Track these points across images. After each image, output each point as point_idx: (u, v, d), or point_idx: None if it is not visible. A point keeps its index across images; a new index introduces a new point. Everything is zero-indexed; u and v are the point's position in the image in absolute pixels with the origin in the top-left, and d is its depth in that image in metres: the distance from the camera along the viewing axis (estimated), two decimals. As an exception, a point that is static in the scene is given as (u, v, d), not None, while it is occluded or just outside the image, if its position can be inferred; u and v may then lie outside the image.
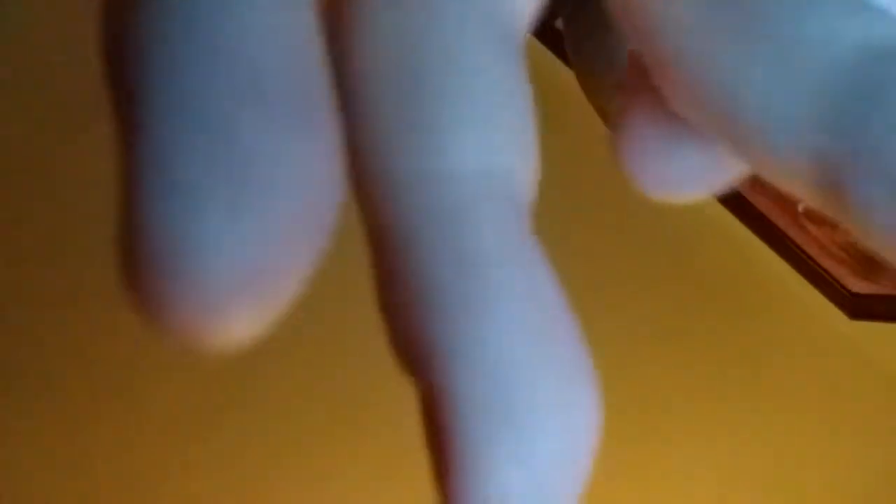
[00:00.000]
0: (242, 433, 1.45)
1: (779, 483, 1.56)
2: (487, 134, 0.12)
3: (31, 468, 1.41)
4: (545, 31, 1.30)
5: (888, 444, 1.55)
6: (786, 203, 1.34)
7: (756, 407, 1.54)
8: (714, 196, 1.35)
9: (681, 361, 1.52)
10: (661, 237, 1.52)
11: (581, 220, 1.48)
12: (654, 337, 1.52)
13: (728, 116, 0.12)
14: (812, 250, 1.38)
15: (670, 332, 1.52)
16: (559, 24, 1.26)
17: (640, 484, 1.54)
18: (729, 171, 0.15)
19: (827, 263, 1.38)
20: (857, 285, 1.38)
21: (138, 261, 0.10)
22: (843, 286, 1.39)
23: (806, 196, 0.12)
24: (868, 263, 1.30)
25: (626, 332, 1.51)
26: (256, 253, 0.10)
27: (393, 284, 0.12)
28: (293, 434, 1.46)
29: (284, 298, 0.11)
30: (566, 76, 1.34)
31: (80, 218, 1.37)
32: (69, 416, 1.41)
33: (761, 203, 1.35)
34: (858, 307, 1.38)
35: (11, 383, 1.39)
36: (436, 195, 0.11)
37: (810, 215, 1.32)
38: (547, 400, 0.13)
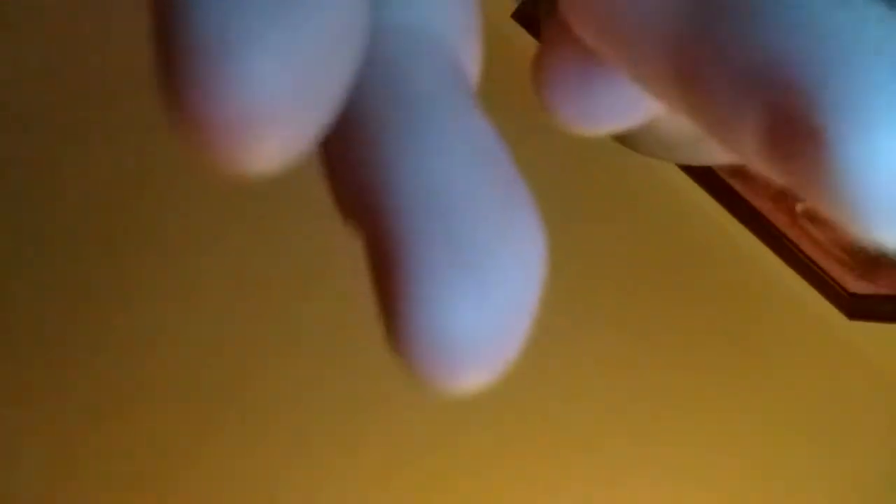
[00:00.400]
0: (242, 434, 1.45)
1: (778, 481, 1.57)
2: (420, 4, 0.13)
3: (30, 468, 1.41)
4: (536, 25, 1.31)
5: (887, 441, 1.55)
6: (785, 204, 1.34)
7: (756, 405, 1.55)
8: (714, 197, 1.35)
9: (681, 362, 1.53)
10: (662, 240, 1.52)
11: (583, 223, 1.48)
12: (655, 338, 1.52)
13: (611, 30, 0.13)
14: (811, 251, 1.38)
15: (670, 333, 1.53)
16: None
17: (642, 483, 1.55)
18: (638, 108, 0.15)
19: (825, 264, 1.38)
20: (856, 286, 1.39)
21: (177, 62, 0.10)
22: (841, 287, 1.39)
23: (673, 105, 0.13)
24: (867, 264, 1.30)
25: (626, 334, 1.51)
26: (300, 61, 0.10)
27: (332, 134, 0.12)
28: (293, 434, 1.46)
29: (315, 127, 0.11)
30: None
31: (81, 217, 1.37)
32: (69, 415, 1.41)
33: (761, 204, 1.35)
34: (857, 307, 1.38)
35: (11, 383, 1.39)
36: (373, 46, 0.12)
37: (809, 216, 1.32)
38: (492, 228, 0.12)
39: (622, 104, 0.16)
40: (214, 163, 0.11)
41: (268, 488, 1.46)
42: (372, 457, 1.48)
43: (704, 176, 1.35)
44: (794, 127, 0.11)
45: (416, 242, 0.12)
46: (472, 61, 0.14)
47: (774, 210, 1.34)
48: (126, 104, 1.35)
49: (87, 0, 1.33)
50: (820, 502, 1.56)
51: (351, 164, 0.13)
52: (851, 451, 1.55)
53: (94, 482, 1.41)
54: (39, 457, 1.40)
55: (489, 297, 0.12)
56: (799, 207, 1.30)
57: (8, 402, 1.39)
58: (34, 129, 1.35)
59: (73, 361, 1.39)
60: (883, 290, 1.35)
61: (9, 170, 1.35)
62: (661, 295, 1.49)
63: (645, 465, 1.53)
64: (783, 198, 1.30)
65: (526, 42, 1.29)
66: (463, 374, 0.12)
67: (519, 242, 0.13)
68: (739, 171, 1.31)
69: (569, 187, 1.44)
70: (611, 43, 0.13)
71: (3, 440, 1.39)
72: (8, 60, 1.33)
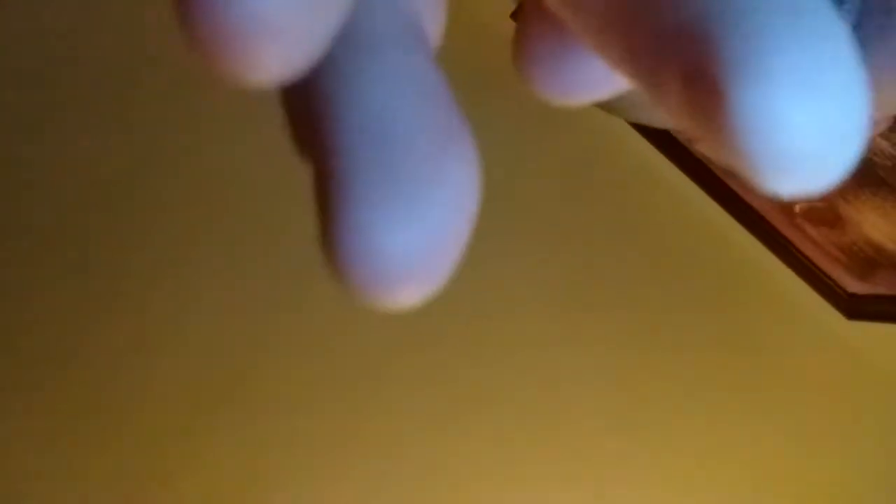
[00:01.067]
0: (241, 434, 1.45)
1: (777, 480, 1.57)
2: None
3: (30, 469, 1.41)
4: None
5: (885, 441, 1.55)
6: (783, 205, 1.34)
7: (754, 406, 1.55)
8: (713, 198, 1.35)
9: (680, 362, 1.53)
10: (660, 241, 1.52)
11: (582, 224, 1.48)
12: (654, 339, 1.52)
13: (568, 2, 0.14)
14: (810, 252, 1.38)
15: (669, 334, 1.53)
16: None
17: (642, 483, 1.55)
18: (608, 81, 0.16)
19: (824, 264, 1.38)
20: (854, 286, 1.39)
21: None
22: (840, 287, 1.40)
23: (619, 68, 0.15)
24: (865, 264, 1.30)
25: (625, 335, 1.52)
26: None
27: (293, 82, 0.13)
28: (293, 434, 1.46)
29: (315, 43, 0.12)
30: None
31: (81, 217, 1.37)
32: (69, 415, 1.41)
33: (759, 205, 1.35)
34: (855, 308, 1.38)
35: (11, 384, 1.39)
36: None
37: (808, 216, 1.32)
38: (427, 158, 0.13)
39: (594, 77, 0.17)
40: (223, 73, 0.12)
41: (267, 488, 1.46)
42: (372, 457, 1.48)
43: (703, 177, 1.35)
44: (703, 80, 0.11)
45: (353, 168, 0.13)
46: (432, 20, 0.15)
47: (773, 211, 1.34)
48: (127, 104, 1.35)
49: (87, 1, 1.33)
50: (819, 501, 1.57)
51: (301, 96, 0.14)
52: (851, 451, 1.55)
53: (94, 482, 1.41)
54: (39, 457, 1.40)
55: (418, 220, 0.13)
56: (798, 208, 1.30)
57: (8, 402, 1.39)
58: (34, 129, 1.35)
59: (73, 362, 1.39)
60: (881, 291, 1.35)
61: (8, 169, 1.35)
62: (660, 296, 1.49)
63: (645, 465, 1.53)
64: (782, 199, 1.30)
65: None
66: (391, 291, 0.13)
67: (452, 174, 0.13)
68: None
69: (568, 189, 1.44)
70: (568, 12, 0.14)
71: (3, 440, 1.39)
72: (6, 61, 1.33)
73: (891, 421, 1.54)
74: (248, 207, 1.40)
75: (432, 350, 1.45)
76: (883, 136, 1.08)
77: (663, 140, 1.33)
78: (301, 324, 1.42)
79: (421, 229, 0.13)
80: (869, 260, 1.29)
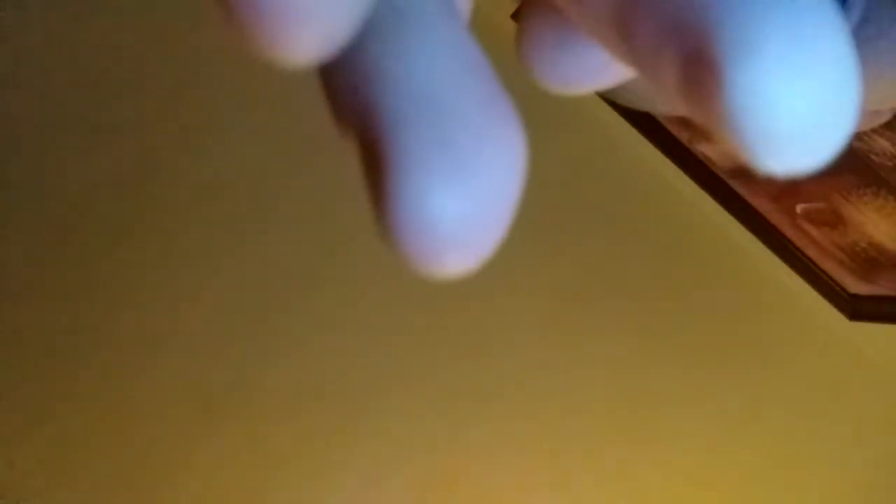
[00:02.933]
0: (241, 434, 1.45)
1: (779, 480, 1.57)
2: None
3: (30, 468, 1.41)
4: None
5: (887, 442, 1.55)
6: (785, 205, 1.34)
7: (756, 406, 1.55)
8: (715, 199, 1.35)
9: (681, 362, 1.53)
10: (663, 242, 1.52)
11: (584, 227, 1.48)
12: (656, 339, 1.52)
13: None
14: (811, 252, 1.38)
15: (671, 333, 1.53)
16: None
17: (642, 483, 1.55)
18: (608, 71, 0.17)
19: (826, 265, 1.38)
20: (856, 286, 1.39)
21: None
22: (842, 288, 1.40)
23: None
24: (867, 265, 1.30)
25: (627, 335, 1.52)
26: None
27: (335, 61, 0.14)
28: (292, 434, 1.46)
29: (350, 22, 0.12)
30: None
31: (81, 217, 1.37)
32: (69, 415, 1.41)
33: (761, 206, 1.35)
34: (857, 308, 1.38)
35: (12, 384, 1.39)
36: None
37: (809, 217, 1.32)
38: (475, 127, 0.13)
39: (594, 66, 0.17)
40: (261, 53, 0.12)
41: (267, 488, 1.46)
42: (372, 457, 1.48)
43: (705, 178, 1.35)
44: (701, 63, 0.12)
45: (404, 136, 0.13)
46: None
47: (775, 211, 1.34)
48: (127, 105, 1.35)
49: (87, 2, 1.33)
50: (820, 502, 1.57)
51: (344, 71, 0.14)
52: (852, 451, 1.55)
53: (95, 482, 1.41)
54: (40, 457, 1.40)
55: (471, 188, 0.13)
56: (799, 209, 1.30)
57: (8, 402, 1.39)
58: (34, 129, 1.35)
59: (73, 361, 1.39)
60: (884, 291, 1.35)
61: (9, 169, 1.35)
62: (663, 296, 1.49)
63: (645, 466, 1.53)
64: (784, 199, 1.30)
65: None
66: (444, 257, 0.13)
67: (500, 142, 0.14)
68: (740, 173, 1.31)
69: (571, 189, 1.44)
70: (570, 1, 0.15)
71: (4, 440, 1.39)
72: (5, 63, 1.33)
73: (892, 420, 1.54)
74: (248, 208, 1.40)
75: (432, 350, 1.45)
76: (884, 136, 1.08)
77: (665, 141, 1.33)
78: (301, 324, 1.42)
79: (474, 196, 0.13)
80: (870, 260, 1.29)
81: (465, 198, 0.13)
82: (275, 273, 1.41)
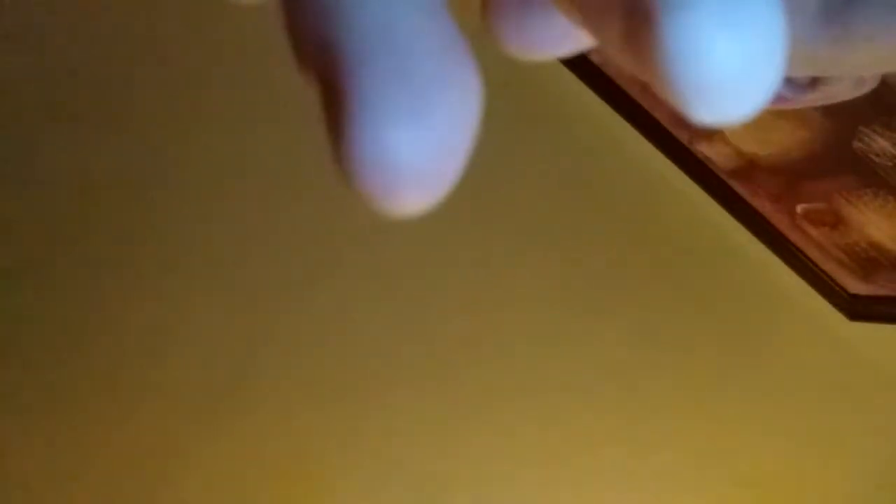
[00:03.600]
0: (241, 434, 1.45)
1: (779, 480, 1.57)
2: None
3: (30, 468, 1.41)
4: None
5: (887, 442, 1.55)
6: (785, 206, 1.35)
7: (756, 405, 1.55)
8: (715, 199, 1.35)
9: (681, 362, 1.53)
10: (663, 242, 1.52)
11: (583, 227, 1.48)
12: (655, 339, 1.52)
13: None
14: (811, 253, 1.38)
15: (671, 334, 1.53)
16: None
17: (642, 483, 1.55)
18: (570, 38, 0.17)
19: (826, 265, 1.38)
20: (856, 287, 1.39)
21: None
22: (842, 288, 1.40)
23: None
24: (867, 265, 1.31)
25: (626, 336, 1.52)
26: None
27: (297, 8, 0.14)
28: (292, 434, 1.46)
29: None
30: (573, 85, 1.34)
31: (81, 217, 1.37)
32: (69, 415, 1.41)
33: (761, 206, 1.35)
34: (857, 308, 1.38)
35: (12, 384, 1.39)
36: None
37: (809, 217, 1.32)
38: (434, 67, 0.14)
39: (557, 33, 0.18)
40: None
41: (267, 488, 1.46)
42: (371, 457, 1.48)
43: (705, 178, 1.35)
44: (639, 15, 0.12)
45: (363, 73, 0.13)
46: None
47: (775, 212, 1.34)
48: (130, 102, 1.35)
49: (88, 2, 1.33)
50: (820, 501, 1.57)
51: (305, 10, 0.14)
52: (852, 451, 1.55)
53: (94, 482, 1.42)
54: (40, 456, 1.40)
55: (428, 124, 0.13)
56: (799, 209, 1.30)
57: (8, 403, 1.39)
58: (34, 130, 1.35)
59: (73, 361, 1.39)
60: (884, 292, 1.35)
61: (9, 169, 1.35)
62: (662, 296, 1.49)
63: (645, 466, 1.53)
64: (784, 199, 1.30)
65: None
66: (399, 192, 0.13)
67: (458, 83, 0.14)
68: (741, 173, 1.31)
69: (571, 189, 1.44)
70: None
71: (4, 440, 1.39)
72: (4, 64, 1.33)
73: (892, 421, 1.54)
74: (249, 207, 1.40)
75: (432, 351, 1.45)
76: (884, 136, 1.08)
77: (665, 141, 1.33)
78: (302, 324, 1.42)
79: (430, 131, 0.13)
80: (871, 260, 1.29)
81: (423, 133, 0.13)
82: (275, 273, 1.41)
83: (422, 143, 0.13)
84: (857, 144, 1.12)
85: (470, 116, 0.14)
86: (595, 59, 1.28)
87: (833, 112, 1.11)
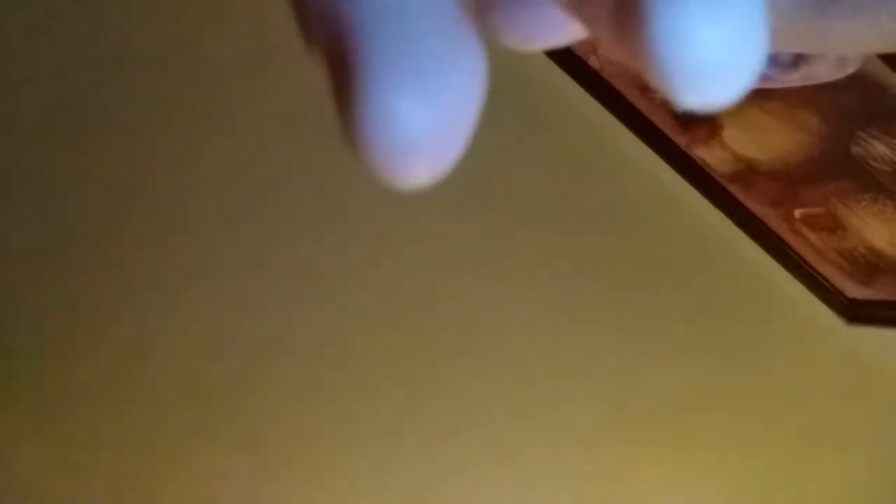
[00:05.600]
0: (241, 434, 1.45)
1: (778, 483, 1.57)
2: None
3: (30, 468, 1.41)
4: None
5: (886, 445, 1.55)
6: (784, 210, 1.35)
7: (756, 410, 1.55)
8: (714, 204, 1.35)
9: (681, 366, 1.53)
10: (663, 246, 1.52)
11: (584, 229, 1.48)
12: (656, 342, 1.52)
13: None
14: (810, 257, 1.38)
15: (671, 337, 1.53)
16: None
17: (641, 483, 1.55)
18: (563, 30, 0.18)
19: (825, 270, 1.39)
20: (855, 291, 1.39)
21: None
22: (840, 292, 1.40)
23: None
24: (865, 269, 1.31)
25: (627, 339, 1.52)
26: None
27: None
28: (292, 436, 1.47)
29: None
30: (572, 88, 1.34)
31: (81, 218, 1.38)
32: (69, 415, 1.41)
33: (760, 210, 1.35)
34: (856, 312, 1.38)
35: (12, 384, 1.39)
36: None
37: (808, 222, 1.33)
38: (440, 42, 0.14)
39: (549, 24, 0.18)
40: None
41: (266, 488, 1.46)
42: (371, 457, 1.48)
43: (705, 183, 1.35)
44: (629, 5, 0.13)
45: (373, 45, 0.14)
46: None
47: (774, 216, 1.34)
48: (130, 104, 1.35)
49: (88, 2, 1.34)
50: (820, 502, 1.57)
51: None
52: (851, 454, 1.55)
53: (94, 482, 1.42)
54: (40, 456, 1.41)
55: (437, 96, 0.14)
56: (798, 214, 1.30)
57: (9, 402, 1.39)
58: (35, 131, 1.35)
59: (73, 361, 1.39)
60: (882, 296, 1.35)
61: (9, 171, 1.36)
62: (662, 300, 1.49)
63: (644, 467, 1.53)
64: (782, 204, 1.31)
65: (528, 52, 1.30)
66: (407, 163, 0.14)
67: (465, 59, 0.14)
68: (739, 177, 1.32)
69: (571, 194, 1.44)
70: None
71: (4, 440, 1.40)
72: (5, 62, 1.33)
73: (891, 423, 1.54)
74: (249, 208, 1.40)
75: (433, 351, 1.45)
76: (882, 141, 1.08)
77: (664, 146, 1.33)
78: (302, 324, 1.43)
79: (438, 103, 0.14)
80: (869, 265, 1.30)
81: (431, 105, 0.14)
82: (275, 273, 1.41)
83: (430, 114, 0.14)
84: (855, 149, 1.12)
85: (475, 93, 0.15)
86: (594, 64, 1.28)
87: (831, 117, 1.11)
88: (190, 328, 1.40)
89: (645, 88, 1.26)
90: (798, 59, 1.03)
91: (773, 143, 1.20)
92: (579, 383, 1.49)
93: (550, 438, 1.50)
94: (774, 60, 1.04)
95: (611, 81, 1.30)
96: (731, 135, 1.22)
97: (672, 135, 1.31)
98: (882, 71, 0.99)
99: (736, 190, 1.33)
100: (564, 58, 1.29)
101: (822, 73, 1.04)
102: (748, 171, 1.28)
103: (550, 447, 1.51)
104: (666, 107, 1.27)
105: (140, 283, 1.38)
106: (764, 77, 1.06)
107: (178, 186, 1.38)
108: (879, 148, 1.10)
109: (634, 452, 1.52)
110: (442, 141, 0.14)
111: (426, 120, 0.14)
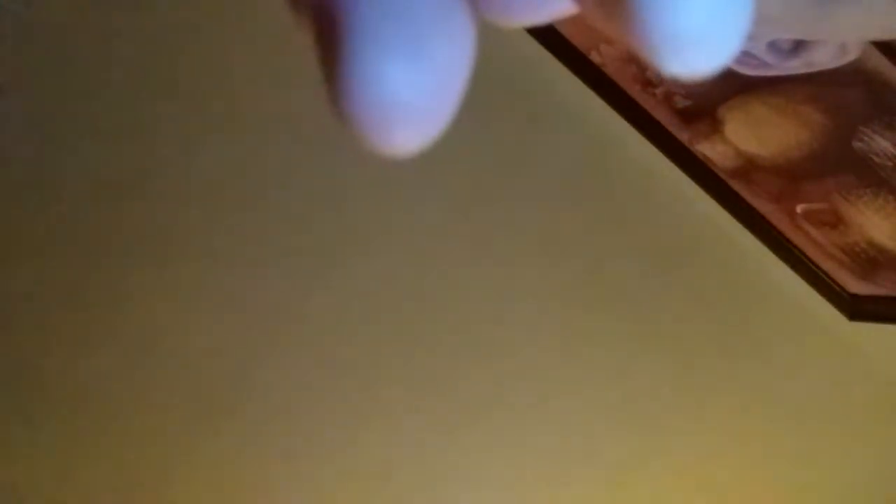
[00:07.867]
0: (241, 434, 1.45)
1: (778, 480, 1.57)
2: None
3: (30, 468, 1.41)
4: (546, 34, 1.31)
5: (886, 441, 1.56)
6: (785, 205, 1.34)
7: (756, 406, 1.55)
8: (715, 199, 1.35)
9: (682, 362, 1.53)
10: (663, 242, 1.52)
11: (585, 227, 1.48)
12: (656, 338, 1.52)
13: None
14: (811, 252, 1.38)
15: (671, 333, 1.53)
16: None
17: (642, 483, 1.55)
18: (548, 5, 0.18)
19: (826, 265, 1.38)
20: (857, 286, 1.39)
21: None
22: (842, 287, 1.40)
23: None
24: (867, 265, 1.30)
25: (627, 335, 1.52)
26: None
27: None
28: (292, 437, 1.47)
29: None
30: (573, 86, 1.34)
31: (80, 218, 1.37)
32: (69, 416, 1.41)
33: (761, 205, 1.35)
34: (857, 308, 1.38)
35: (12, 384, 1.39)
36: None
37: (810, 217, 1.32)
38: (430, 11, 0.14)
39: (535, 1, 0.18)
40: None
41: (267, 488, 1.46)
42: (371, 457, 1.48)
43: (706, 178, 1.35)
44: None
45: (362, 10, 0.14)
46: None
47: (775, 212, 1.34)
48: (130, 105, 1.35)
49: (89, 2, 1.33)
50: (820, 501, 1.57)
51: None
52: (852, 451, 1.55)
53: (94, 482, 1.42)
54: (40, 457, 1.40)
55: (425, 62, 0.14)
56: (799, 209, 1.30)
57: (9, 402, 1.39)
58: (34, 130, 1.35)
59: (73, 361, 1.39)
60: (884, 291, 1.35)
61: (8, 170, 1.35)
62: (663, 296, 1.49)
63: (645, 466, 1.53)
64: (784, 199, 1.31)
65: (531, 48, 1.30)
66: (394, 128, 0.14)
67: (454, 28, 0.14)
68: (740, 173, 1.31)
69: (571, 191, 1.44)
70: None
71: (4, 441, 1.40)
72: (5, 64, 1.33)
73: (892, 420, 1.54)
74: (249, 208, 1.40)
75: (433, 350, 1.45)
76: (884, 136, 1.08)
77: (666, 141, 1.33)
78: (302, 327, 1.43)
79: (427, 69, 0.14)
80: (871, 260, 1.29)
81: (420, 71, 0.13)
82: (275, 273, 1.41)
83: (418, 80, 0.13)
84: (857, 144, 1.12)
85: (463, 66, 0.14)
86: (595, 59, 1.28)
87: (833, 112, 1.11)
88: (190, 328, 1.40)
89: (647, 84, 1.26)
90: (798, 46, 1.03)
91: (774, 138, 1.20)
92: (578, 381, 1.49)
93: (549, 440, 1.50)
94: (774, 47, 1.04)
95: (612, 77, 1.29)
96: (732, 130, 1.22)
97: (674, 130, 1.31)
98: (884, 65, 0.99)
99: (737, 185, 1.33)
100: (566, 53, 1.29)
101: (823, 59, 1.03)
102: (750, 167, 1.28)
103: (549, 449, 1.51)
104: (668, 102, 1.26)
105: (140, 283, 1.38)
106: (764, 64, 1.06)
107: (177, 186, 1.37)
108: (881, 143, 1.10)
109: (634, 452, 1.52)
110: (428, 108, 0.14)
111: (413, 85, 0.13)
